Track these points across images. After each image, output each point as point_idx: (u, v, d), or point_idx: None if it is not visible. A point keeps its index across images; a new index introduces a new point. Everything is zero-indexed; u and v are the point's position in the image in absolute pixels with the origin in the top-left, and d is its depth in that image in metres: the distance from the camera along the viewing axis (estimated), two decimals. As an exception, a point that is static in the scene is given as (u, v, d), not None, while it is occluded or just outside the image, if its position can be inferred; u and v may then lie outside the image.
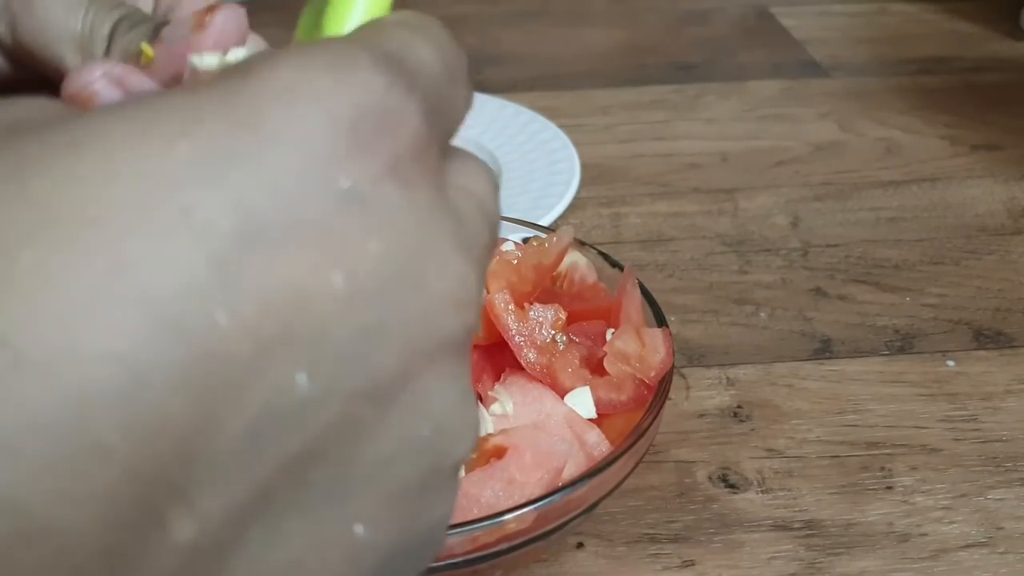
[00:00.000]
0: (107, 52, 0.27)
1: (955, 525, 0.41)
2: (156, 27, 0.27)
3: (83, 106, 0.26)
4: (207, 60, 0.25)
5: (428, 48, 0.18)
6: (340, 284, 0.15)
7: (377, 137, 0.16)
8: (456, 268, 0.17)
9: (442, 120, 0.18)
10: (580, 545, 0.40)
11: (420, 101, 0.17)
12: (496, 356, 0.41)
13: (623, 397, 0.39)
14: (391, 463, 0.17)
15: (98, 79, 0.26)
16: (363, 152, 0.16)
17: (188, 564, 0.14)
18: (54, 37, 0.27)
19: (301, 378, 0.15)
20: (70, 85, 0.26)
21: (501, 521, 0.33)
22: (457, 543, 0.33)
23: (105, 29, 0.28)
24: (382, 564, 0.17)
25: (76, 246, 0.13)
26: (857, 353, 0.51)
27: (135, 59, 0.27)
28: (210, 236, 0.14)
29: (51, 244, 0.13)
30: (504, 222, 0.49)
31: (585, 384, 0.39)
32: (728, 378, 0.49)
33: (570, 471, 0.36)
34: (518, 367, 0.40)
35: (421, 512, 0.18)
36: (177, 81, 0.26)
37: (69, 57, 0.27)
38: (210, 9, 0.26)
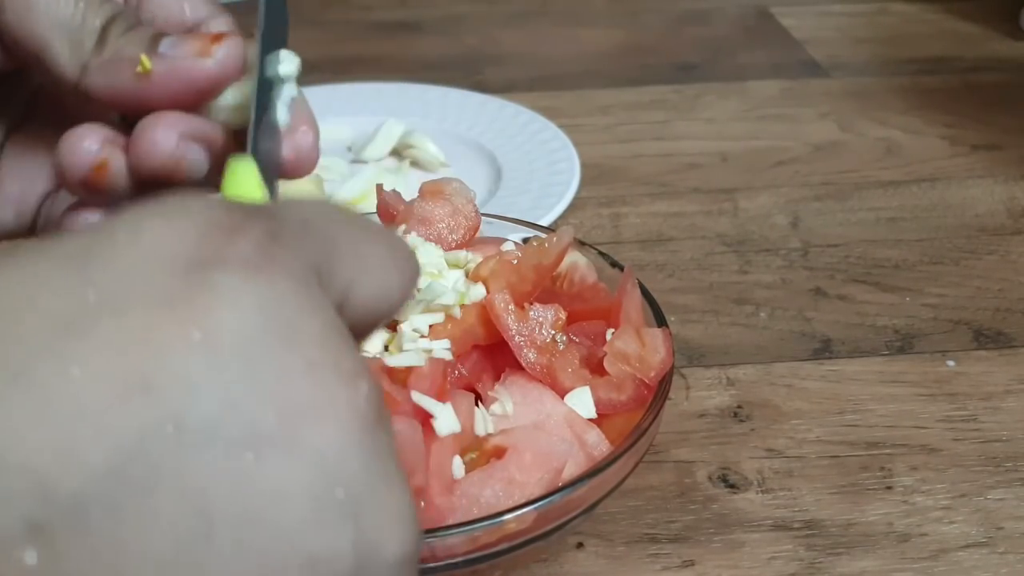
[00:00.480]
0: (98, 47, 0.27)
1: (955, 525, 0.41)
2: (154, 36, 0.27)
3: (174, 175, 0.27)
4: (229, 97, 0.27)
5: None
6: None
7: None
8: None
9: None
10: (580, 545, 0.40)
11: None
12: (496, 356, 0.41)
13: (623, 397, 0.39)
14: None
15: (180, 143, 0.26)
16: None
17: None
18: (42, 21, 0.27)
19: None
20: (150, 157, 0.26)
21: (501, 521, 0.33)
22: (457, 543, 0.33)
23: (97, 22, 0.27)
24: None
25: None
26: (857, 353, 0.51)
27: (130, 66, 0.27)
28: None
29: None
30: (504, 222, 0.49)
31: (585, 384, 0.39)
32: (728, 378, 0.49)
33: (570, 471, 0.36)
34: (518, 367, 0.40)
35: None
36: (175, 98, 0.27)
37: (56, 45, 0.27)
38: (216, 38, 0.27)
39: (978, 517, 0.41)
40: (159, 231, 0.17)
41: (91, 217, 0.28)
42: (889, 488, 0.43)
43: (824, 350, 0.51)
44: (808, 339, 0.52)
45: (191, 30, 0.29)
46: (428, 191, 0.46)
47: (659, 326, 0.41)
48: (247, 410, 0.16)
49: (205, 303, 0.16)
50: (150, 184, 0.27)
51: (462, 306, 0.40)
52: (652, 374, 0.39)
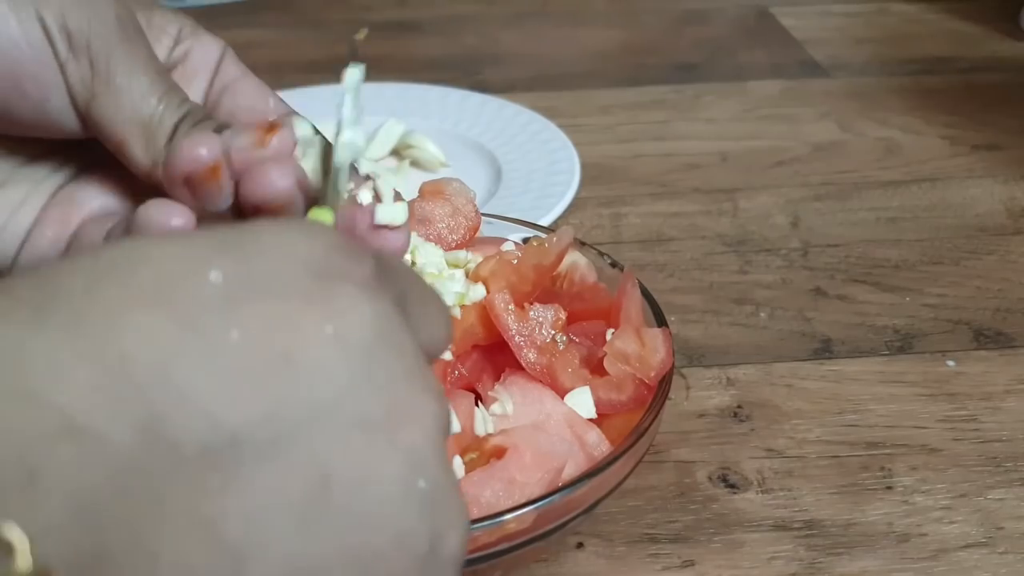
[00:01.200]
0: (168, 144, 0.30)
1: (955, 525, 0.41)
2: (218, 128, 0.31)
3: (276, 211, 0.29)
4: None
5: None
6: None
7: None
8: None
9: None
10: (580, 545, 0.40)
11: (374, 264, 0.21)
12: (496, 356, 0.41)
13: (623, 397, 0.39)
14: None
15: (293, 187, 0.29)
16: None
17: None
18: (124, 118, 0.30)
19: None
20: (265, 190, 0.29)
21: (501, 521, 0.33)
22: (457, 543, 0.33)
23: (170, 122, 0.31)
24: None
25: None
26: (857, 353, 0.51)
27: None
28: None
29: None
30: (504, 222, 0.49)
31: (585, 384, 0.39)
32: (728, 378, 0.49)
33: (570, 471, 0.36)
34: (518, 367, 0.40)
35: None
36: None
37: (133, 141, 0.31)
38: (270, 129, 0.30)
39: (978, 517, 0.41)
40: (298, 239, 0.20)
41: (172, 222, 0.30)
42: (889, 488, 0.43)
43: (824, 350, 0.51)
44: (808, 339, 0.52)
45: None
46: (428, 191, 0.46)
47: (659, 326, 0.41)
48: (363, 399, 0.19)
49: (336, 305, 0.19)
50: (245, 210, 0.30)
51: (462, 306, 0.40)
52: (652, 374, 0.39)
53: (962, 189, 0.66)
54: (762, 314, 0.54)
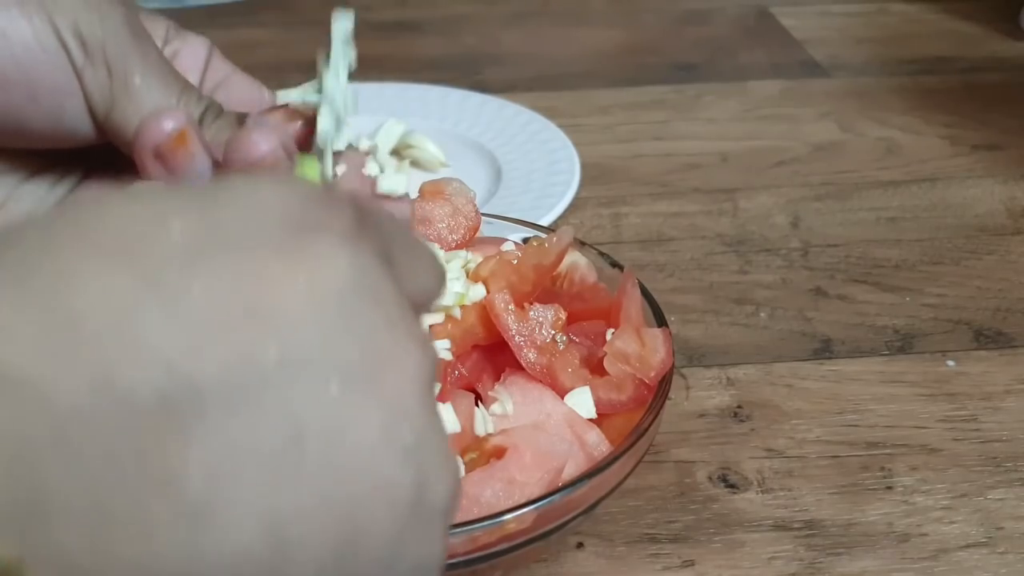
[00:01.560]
0: None
1: (955, 525, 0.41)
2: (238, 118, 0.32)
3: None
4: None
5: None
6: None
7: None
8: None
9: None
10: (580, 545, 0.40)
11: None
12: (496, 356, 0.41)
13: (623, 397, 0.39)
14: None
15: (275, 149, 0.30)
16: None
17: None
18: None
19: None
20: (247, 155, 0.30)
21: (501, 521, 0.33)
22: (457, 543, 0.33)
23: (193, 117, 0.31)
24: None
25: None
26: (857, 353, 0.51)
27: (221, 147, 0.31)
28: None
29: None
30: (504, 222, 0.49)
31: (585, 384, 0.39)
32: (728, 378, 0.49)
33: (570, 471, 0.36)
34: (518, 367, 0.40)
35: None
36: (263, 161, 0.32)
37: None
38: (291, 116, 0.32)
39: (978, 517, 0.41)
40: (273, 193, 0.19)
41: None
42: (889, 488, 0.43)
43: (824, 350, 0.51)
44: (808, 339, 0.52)
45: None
46: (428, 191, 0.46)
47: (659, 326, 0.41)
48: (338, 349, 0.18)
49: (310, 256, 0.18)
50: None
51: (462, 306, 0.40)
52: (652, 374, 0.39)
53: (962, 189, 0.66)
54: (762, 314, 0.54)
